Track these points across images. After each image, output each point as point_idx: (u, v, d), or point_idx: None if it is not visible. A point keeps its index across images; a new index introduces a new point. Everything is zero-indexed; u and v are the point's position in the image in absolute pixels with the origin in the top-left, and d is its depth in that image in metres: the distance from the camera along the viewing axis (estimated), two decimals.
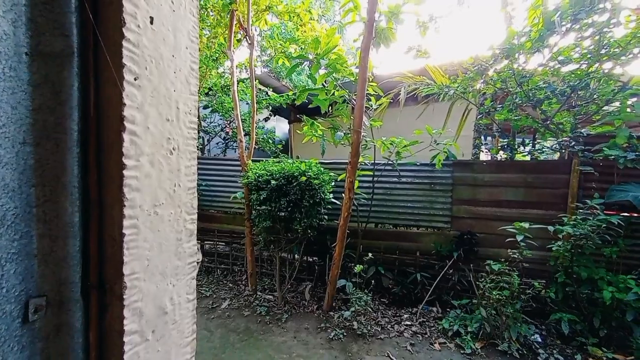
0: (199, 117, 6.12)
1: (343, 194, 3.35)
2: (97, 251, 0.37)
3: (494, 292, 2.93)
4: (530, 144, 5.09)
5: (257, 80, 4.68)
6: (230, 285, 4.34)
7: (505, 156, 4.23)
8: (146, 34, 0.39)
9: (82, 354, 0.37)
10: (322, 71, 3.34)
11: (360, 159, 3.41)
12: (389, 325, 3.33)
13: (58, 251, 0.35)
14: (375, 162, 3.87)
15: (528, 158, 4.51)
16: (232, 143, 6.38)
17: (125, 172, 0.37)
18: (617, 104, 3.26)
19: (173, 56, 0.44)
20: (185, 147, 0.48)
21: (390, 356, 2.82)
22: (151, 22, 0.40)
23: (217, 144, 6.57)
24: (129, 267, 0.38)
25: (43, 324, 0.34)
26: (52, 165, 0.34)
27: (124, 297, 0.37)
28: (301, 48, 5.13)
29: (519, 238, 2.98)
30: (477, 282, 3.21)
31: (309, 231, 3.58)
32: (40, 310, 0.33)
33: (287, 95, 5.87)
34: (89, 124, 0.37)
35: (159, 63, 0.42)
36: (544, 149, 4.15)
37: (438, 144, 3.67)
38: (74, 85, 0.35)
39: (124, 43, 0.36)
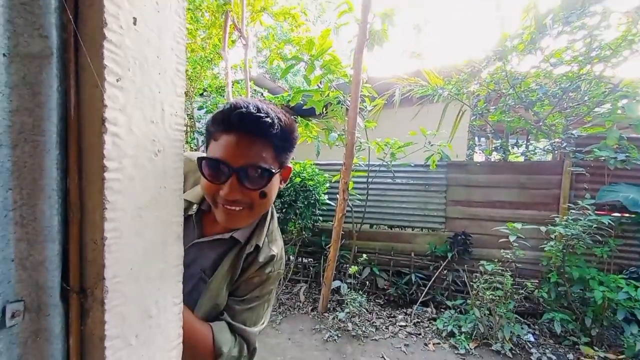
0: (193, 118, 6.09)
1: (337, 195, 3.35)
2: (77, 255, 0.37)
3: (487, 292, 2.95)
4: (524, 145, 5.14)
5: (252, 82, 4.67)
6: None
7: (499, 157, 4.27)
8: (129, 35, 0.39)
9: (61, 359, 0.37)
10: (317, 72, 3.34)
11: (355, 160, 3.41)
12: (384, 326, 3.33)
13: (36, 255, 0.35)
14: (370, 163, 3.88)
15: (521, 159, 4.55)
16: None
17: (106, 175, 0.36)
18: (607, 105, 3.30)
19: (158, 57, 0.44)
20: (171, 149, 0.48)
21: (385, 357, 2.82)
22: (134, 23, 0.39)
23: None
24: (111, 270, 0.37)
25: (21, 330, 0.34)
26: (30, 168, 0.34)
27: (106, 301, 0.36)
28: (296, 49, 5.13)
29: (512, 238, 3.00)
30: (471, 283, 3.23)
31: (304, 232, 3.58)
32: (17, 316, 0.33)
33: (282, 96, 5.85)
34: (69, 125, 0.36)
35: (143, 64, 0.41)
36: (536, 150, 4.19)
37: (432, 145, 3.69)
38: (53, 86, 0.35)
39: (106, 44, 0.36)
